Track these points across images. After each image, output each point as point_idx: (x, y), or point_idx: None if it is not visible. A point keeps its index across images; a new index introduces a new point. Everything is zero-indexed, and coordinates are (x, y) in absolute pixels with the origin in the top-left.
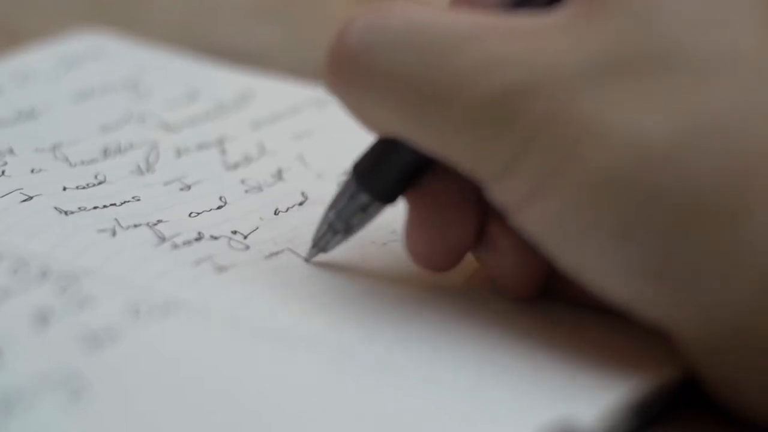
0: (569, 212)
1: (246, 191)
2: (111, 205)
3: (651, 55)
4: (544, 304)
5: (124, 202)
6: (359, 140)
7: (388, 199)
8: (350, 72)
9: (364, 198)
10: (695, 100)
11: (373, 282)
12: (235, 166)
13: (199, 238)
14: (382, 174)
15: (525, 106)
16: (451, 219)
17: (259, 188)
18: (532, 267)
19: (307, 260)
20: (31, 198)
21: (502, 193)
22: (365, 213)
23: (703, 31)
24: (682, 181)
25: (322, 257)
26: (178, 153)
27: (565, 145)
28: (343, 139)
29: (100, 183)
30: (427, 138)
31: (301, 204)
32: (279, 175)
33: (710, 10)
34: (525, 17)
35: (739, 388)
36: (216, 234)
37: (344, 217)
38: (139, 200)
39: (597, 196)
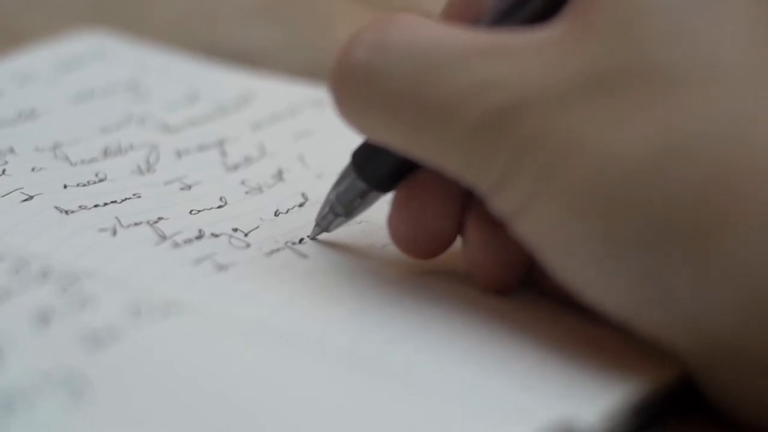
0: (558, 224)
1: (246, 192)
2: (112, 202)
3: (634, 71)
4: (544, 303)
5: (125, 199)
6: (359, 140)
7: (385, 188)
8: (353, 89)
9: (362, 185)
10: (677, 114)
11: (373, 282)
12: (236, 167)
13: (200, 236)
14: (378, 164)
15: (516, 124)
16: (432, 209)
17: (260, 189)
18: (501, 263)
19: (310, 238)
20: (31, 198)
21: (499, 204)
22: (364, 199)
23: (686, 45)
24: (664, 193)
25: (325, 236)
26: (179, 154)
27: (551, 161)
28: (344, 139)
29: (101, 180)
30: (425, 152)
31: (301, 205)
32: (279, 175)
33: (695, 23)
34: (516, 36)
35: (734, 397)
36: (216, 232)
37: (344, 201)
38: (139, 197)
39: (582, 209)
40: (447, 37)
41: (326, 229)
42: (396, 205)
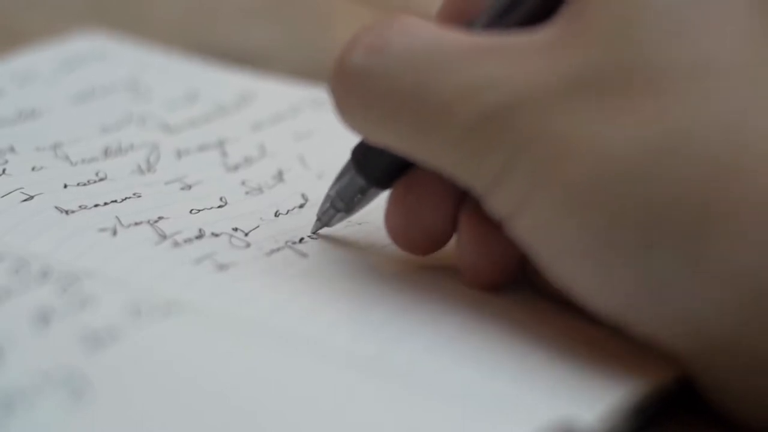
0: (551, 225)
1: (246, 192)
2: (112, 202)
3: (628, 72)
4: (543, 303)
5: (126, 199)
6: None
7: (384, 185)
8: (351, 91)
9: (361, 182)
10: (670, 115)
11: (373, 281)
12: (236, 167)
13: (200, 235)
14: (377, 162)
15: (509, 125)
16: (427, 206)
17: (260, 190)
18: (491, 263)
19: (312, 233)
20: (32, 197)
21: (494, 205)
22: (364, 195)
23: (680, 45)
24: (658, 194)
25: (325, 234)
26: (179, 154)
27: (545, 161)
28: (344, 139)
29: (101, 180)
30: (422, 154)
31: (301, 206)
32: (279, 176)
33: (689, 23)
34: (511, 37)
35: (733, 397)
36: (217, 231)
37: (344, 197)
38: (140, 197)
39: (576, 209)
40: (443, 39)
41: (327, 224)
42: (392, 201)
